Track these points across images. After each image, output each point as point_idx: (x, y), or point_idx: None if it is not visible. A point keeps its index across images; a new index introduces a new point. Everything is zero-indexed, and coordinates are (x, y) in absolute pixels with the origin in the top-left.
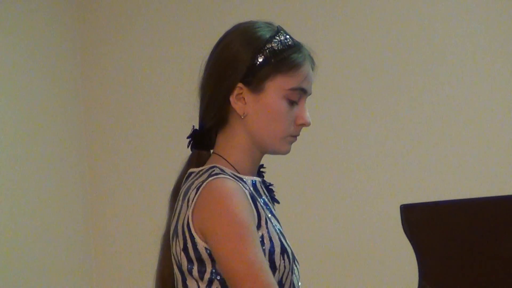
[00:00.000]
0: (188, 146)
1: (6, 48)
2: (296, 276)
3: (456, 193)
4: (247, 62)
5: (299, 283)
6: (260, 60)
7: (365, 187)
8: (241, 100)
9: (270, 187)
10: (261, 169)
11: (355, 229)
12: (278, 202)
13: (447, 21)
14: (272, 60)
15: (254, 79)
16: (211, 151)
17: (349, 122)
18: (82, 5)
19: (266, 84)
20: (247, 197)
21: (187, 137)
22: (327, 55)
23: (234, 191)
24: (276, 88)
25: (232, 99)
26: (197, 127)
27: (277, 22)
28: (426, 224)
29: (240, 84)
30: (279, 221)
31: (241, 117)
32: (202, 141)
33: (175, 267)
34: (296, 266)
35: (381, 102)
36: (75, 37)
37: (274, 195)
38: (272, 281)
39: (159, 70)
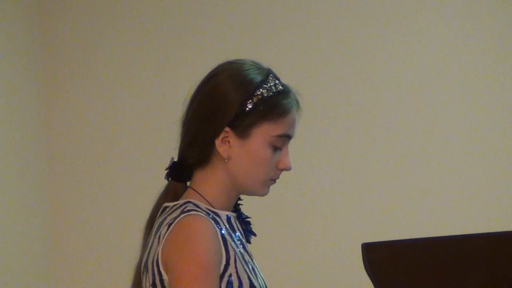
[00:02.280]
0: (165, 178)
1: None
2: None
3: (419, 232)
4: (236, 108)
5: None
6: (250, 106)
7: (328, 224)
8: (226, 144)
9: (247, 219)
10: (238, 201)
11: (319, 266)
12: (254, 235)
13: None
14: (261, 107)
15: (241, 125)
16: (188, 183)
17: (313, 155)
18: (42, 3)
19: (252, 130)
20: (217, 237)
21: (166, 169)
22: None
23: (204, 231)
24: (262, 134)
25: (217, 142)
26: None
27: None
28: (388, 263)
29: (227, 128)
30: (252, 255)
31: (224, 160)
32: (181, 175)
33: None
34: None
35: (346, 132)
36: (36, 37)
37: (251, 228)
38: None
39: (120, 78)
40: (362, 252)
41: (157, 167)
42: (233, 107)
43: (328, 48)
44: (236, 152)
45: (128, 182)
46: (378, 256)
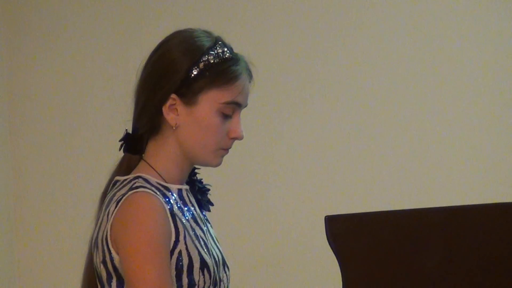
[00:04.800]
0: (119, 149)
1: None
2: (224, 284)
3: (382, 205)
4: (182, 74)
5: None
6: (195, 72)
7: (292, 196)
8: (174, 111)
9: (207, 187)
10: (196, 171)
11: (281, 238)
12: (212, 205)
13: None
14: (207, 73)
15: (188, 92)
16: (142, 156)
17: (278, 128)
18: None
19: (199, 97)
20: (166, 214)
21: (119, 140)
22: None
23: (151, 208)
24: (209, 101)
25: (164, 109)
26: (130, 130)
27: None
28: (350, 235)
29: (173, 95)
30: (211, 225)
31: (172, 128)
32: (134, 146)
33: (96, 277)
34: (225, 273)
35: (312, 107)
36: (2, 31)
37: (208, 198)
38: None
39: (88, 67)
40: (325, 224)
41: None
42: (179, 73)
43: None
44: (183, 120)
45: (94, 166)
46: (340, 228)
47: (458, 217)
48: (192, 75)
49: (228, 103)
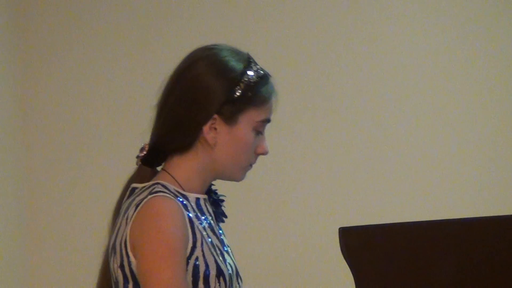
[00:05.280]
0: (137, 163)
1: None
2: None
3: (396, 217)
4: (223, 95)
5: None
6: (238, 93)
7: (305, 208)
8: (213, 131)
9: (221, 197)
10: (211, 187)
11: (294, 250)
12: (225, 217)
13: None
14: (249, 93)
15: (229, 112)
16: (159, 168)
17: (292, 139)
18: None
19: (240, 116)
20: (184, 219)
21: (138, 155)
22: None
23: (170, 211)
24: (248, 120)
25: (205, 128)
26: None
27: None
28: (364, 247)
29: (215, 116)
30: (225, 236)
31: (210, 146)
32: (155, 159)
33: (112, 283)
34: (239, 284)
35: (327, 117)
36: (15, 36)
37: (223, 209)
38: None
39: (99, 73)
40: (339, 236)
41: (132, 153)
42: (220, 94)
43: (308, 36)
44: (222, 138)
45: (106, 170)
46: (355, 240)
47: (472, 229)
48: (235, 95)
49: (263, 121)
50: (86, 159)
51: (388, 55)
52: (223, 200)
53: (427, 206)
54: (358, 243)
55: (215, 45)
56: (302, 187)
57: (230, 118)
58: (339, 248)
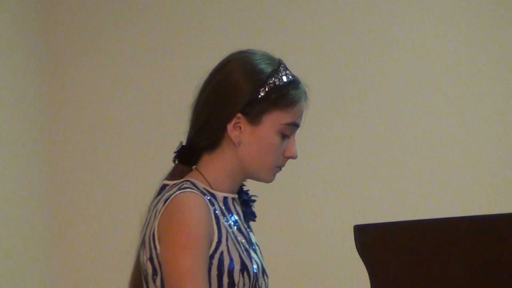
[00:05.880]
0: (173, 161)
1: None
2: None
3: (411, 215)
4: (248, 95)
5: None
6: (262, 94)
7: (322, 207)
8: (237, 129)
9: (252, 197)
10: (243, 182)
11: (313, 248)
12: (255, 216)
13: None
14: (273, 95)
15: (253, 112)
16: (193, 167)
17: (308, 139)
18: (47, 7)
19: (263, 117)
20: (210, 213)
21: (174, 152)
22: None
23: (196, 205)
24: (272, 122)
25: (229, 127)
26: (184, 142)
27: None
28: (379, 244)
29: (239, 114)
30: (252, 238)
31: (235, 145)
32: (189, 158)
33: (142, 276)
34: (264, 280)
35: (341, 118)
36: (41, 39)
37: (252, 210)
38: None
39: (127, 78)
40: (354, 233)
41: (161, 159)
42: (245, 93)
43: (321, 43)
44: (246, 137)
45: (133, 176)
46: (370, 238)
47: (485, 226)
48: (259, 96)
49: (289, 124)
50: (117, 159)
51: (405, 58)
52: (254, 201)
53: (440, 204)
54: (373, 240)
55: (249, 49)
56: (318, 186)
57: (254, 118)
58: (354, 245)
